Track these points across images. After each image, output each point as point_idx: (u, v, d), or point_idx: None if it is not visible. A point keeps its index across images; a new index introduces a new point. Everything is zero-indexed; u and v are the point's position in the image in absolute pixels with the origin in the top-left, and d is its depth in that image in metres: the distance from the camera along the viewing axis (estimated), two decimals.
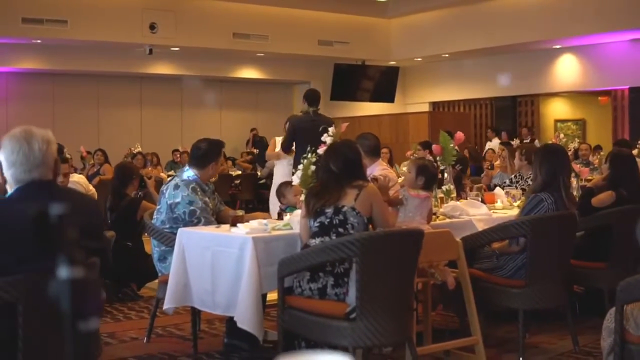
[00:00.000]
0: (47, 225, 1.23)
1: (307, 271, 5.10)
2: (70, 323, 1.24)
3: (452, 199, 7.17)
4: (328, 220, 5.19)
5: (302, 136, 9.19)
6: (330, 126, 6.23)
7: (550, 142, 9.96)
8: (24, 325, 3.39)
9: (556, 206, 5.96)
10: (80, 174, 13.00)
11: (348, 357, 1.16)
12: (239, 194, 17.66)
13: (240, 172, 18.36)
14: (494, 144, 17.32)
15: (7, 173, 3.61)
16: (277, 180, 10.34)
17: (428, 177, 6.05)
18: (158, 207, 6.54)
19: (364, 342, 4.78)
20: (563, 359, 5.92)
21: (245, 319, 5.28)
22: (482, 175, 11.44)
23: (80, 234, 3.58)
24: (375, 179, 5.89)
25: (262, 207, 16.27)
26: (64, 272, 1.24)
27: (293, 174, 6.29)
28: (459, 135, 7.45)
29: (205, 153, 6.51)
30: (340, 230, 5.15)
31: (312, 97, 9.99)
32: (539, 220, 5.88)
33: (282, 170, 10.33)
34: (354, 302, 4.76)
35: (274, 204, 9.98)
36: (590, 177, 9.32)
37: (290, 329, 5.18)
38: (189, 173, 6.44)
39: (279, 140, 10.36)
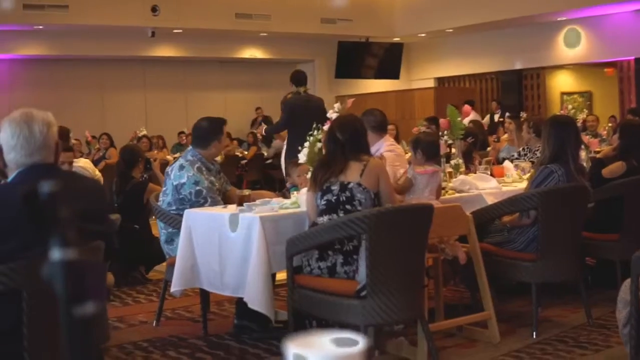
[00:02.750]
0: (39, 205, 1.16)
1: (316, 250, 5.04)
2: (65, 308, 1.17)
3: (460, 173, 7.09)
4: (335, 197, 5.12)
5: (297, 116, 9.25)
6: (322, 104, 6.19)
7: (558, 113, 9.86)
8: (28, 312, 3.34)
9: (567, 178, 5.88)
10: (86, 158, 12.95)
11: (356, 335, 1.10)
12: (245, 174, 17.62)
13: (246, 153, 18.29)
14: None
15: (8, 157, 3.54)
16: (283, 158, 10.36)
17: (425, 148, 5.94)
18: (164, 188, 6.47)
19: (375, 319, 4.73)
20: (577, 332, 5.85)
21: (256, 299, 5.22)
22: (487, 149, 11.36)
23: (83, 217, 3.53)
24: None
25: (269, 187, 16.25)
26: (57, 253, 1.17)
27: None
28: (466, 108, 7.40)
29: (207, 132, 6.44)
30: (348, 207, 5.08)
31: (298, 78, 10.13)
32: (549, 192, 5.81)
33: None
34: (364, 280, 4.70)
35: None
36: (599, 149, 9.23)
37: (300, 308, 5.13)
38: (193, 153, 6.37)
39: None
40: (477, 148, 8.77)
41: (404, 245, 4.80)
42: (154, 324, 6.46)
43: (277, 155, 15.99)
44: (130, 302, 7.40)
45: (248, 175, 17.63)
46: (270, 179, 17.44)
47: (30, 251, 3.35)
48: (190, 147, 6.55)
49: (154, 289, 7.73)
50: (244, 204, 5.63)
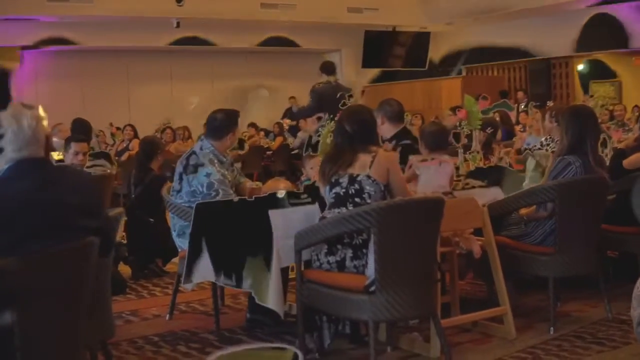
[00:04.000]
0: None
1: (325, 244, 4.94)
2: None
3: (478, 164, 6.95)
4: (343, 190, 5.01)
5: (326, 105, 9.24)
6: (350, 93, 6.10)
7: (579, 103, 9.69)
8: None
9: (585, 169, 5.73)
10: (109, 150, 13.00)
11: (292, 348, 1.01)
12: (272, 165, 17.54)
13: (272, 143, 18.21)
14: None
15: None
16: None
17: (425, 139, 5.82)
18: (175, 181, 6.38)
19: (384, 315, 4.63)
20: (596, 327, 5.72)
21: (264, 294, 5.13)
22: (513, 138, 11.21)
23: (76, 211, 3.46)
24: None
25: (295, 177, 16.18)
26: None
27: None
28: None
29: (222, 124, 6.33)
30: (357, 200, 4.97)
31: (328, 68, 10.31)
32: (567, 184, 5.66)
33: None
34: (373, 275, 4.59)
35: None
36: (623, 139, 9.04)
37: (310, 303, 5.03)
38: (205, 144, 6.27)
39: None
40: (496, 138, 8.62)
41: (413, 239, 4.68)
42: (167, 318, 6.40)
43: (302, 146, 15.91)
44: (145, 295, 7.35)
45: (274, 165, 17.55)
46: (297, 170, 17.36)
47: (22, 247, 3.28)
48: (202, 138, 6.44)
49: (171, 282, 7.63)
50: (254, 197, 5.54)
